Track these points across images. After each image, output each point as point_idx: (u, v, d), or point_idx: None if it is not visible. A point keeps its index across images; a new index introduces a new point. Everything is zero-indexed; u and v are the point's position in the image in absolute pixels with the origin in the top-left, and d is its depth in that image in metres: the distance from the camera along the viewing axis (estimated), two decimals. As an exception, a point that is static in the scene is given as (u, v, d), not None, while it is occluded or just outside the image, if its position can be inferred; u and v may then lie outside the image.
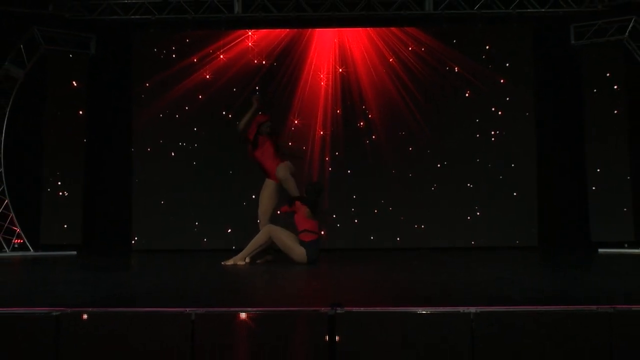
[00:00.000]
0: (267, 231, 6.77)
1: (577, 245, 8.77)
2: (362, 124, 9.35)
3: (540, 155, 9.20)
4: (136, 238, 9.25)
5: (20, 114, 8.99)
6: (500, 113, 9.24)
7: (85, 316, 3.37)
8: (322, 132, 9.38)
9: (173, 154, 9.37)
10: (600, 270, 6.33)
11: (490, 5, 8.89)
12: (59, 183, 9.09)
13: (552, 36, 9.26)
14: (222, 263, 6.69)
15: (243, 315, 3.34)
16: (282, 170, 6.90)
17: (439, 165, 9.22)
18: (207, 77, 9.34)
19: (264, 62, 9.38)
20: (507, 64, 9.25)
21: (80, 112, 9.24)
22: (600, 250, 8.13)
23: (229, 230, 9.19)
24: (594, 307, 3.29)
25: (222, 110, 9.30)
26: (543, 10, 8.83)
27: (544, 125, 9.27)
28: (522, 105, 9.22)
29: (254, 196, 9.15)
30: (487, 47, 9.29)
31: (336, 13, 9.00)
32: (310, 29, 9.42)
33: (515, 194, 9.13)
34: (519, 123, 9.21)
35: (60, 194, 9.09)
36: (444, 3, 8.85)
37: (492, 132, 9.23)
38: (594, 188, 8.80)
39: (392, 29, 9.35)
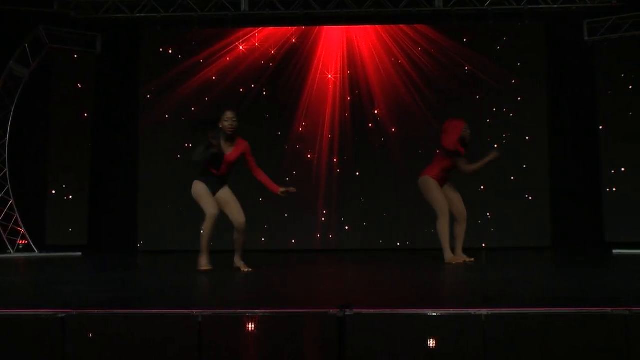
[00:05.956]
0: None
1: (591, 246, 8.66)
2: (371, 124, 9.28)
3: (553, 155, 9.09)
4: (142, 239, 9.22)
5: (24, 114, 8.99)
6: (512, 111, 9.13)
7: (91, 318, 3.34)
8: (330, 135, 9.31)
9: (179, 154, 9.33)
10: (615, 271, 6.21)
11: (501, 2, 8.78)
12: (64, 183, 9.11)
13: (565, 33, 9.15)
14: None
15: (251, 316, 3.29)
16: None
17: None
18: (214, 76, 9.30)
19: (270, 62, 9.32)
20: (519, 62, 9.15)
21: (86, 112, 9.24)
22: (614, 251, 7.98)
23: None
24: (608, 310, 3.20)
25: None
26: (555, 6, 8.70)
27: (557, 123, 9.16)
28: (534, 103, 9.11)
29: (260, 198, 9.20)
30: (499, 45, 9.20)
31: (344, 10, 8.94)
32: (318, 27, 9.36)
33: (528, 193, 9.02)
34: (531, 122, 9.11)
35: (66, 194, 9.11)
36: (454, 0, 8.75)
37: (504, 131, 9.12)
38: (608, 188, 8.68)
39: (402, 26, 9.27)
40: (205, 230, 6.08)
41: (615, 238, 8.47)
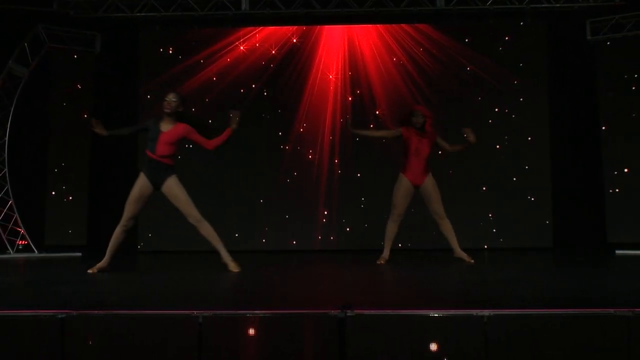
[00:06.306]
0: None
1: (593, 247, 8.62)
2: (372, 125, 9.24)
3: (554, 155, 9.04)
4: (141, 240, 9.17)
5: (24, 113, 8.94)
6: (513, 112, 9.08)
7: (90, 319, 3.33)
8: (330, 137, 9.27)
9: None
10: (618, 272, 6.18)
11: (503, 1, 8.74)
12: (64, 183, 9.06)
13: (568, 32, 9.10)
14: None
15: (251, 317, 3.28)
16: None
17: (450, 167, 9.07)
18: (214, 76, 9.25)
19: (271, 62, 9.27)
20: (521, 62, 9.09)
21: (85, 112, 9.18)
22: (617, 251, 7.94)
23: (237, 234, 9.10)
24: (611, 310, 3.19)
25: (229, 109, 9.20)
26: (557, 5, 8.66)
27: (558, 124, 9.11)
28: (536, 103, 9.06)
29: (260, 199, 9.17)
30: (500, 45, 9.15)
31: (345, 10, 8.90)
32: (319, 26, 9.32)
33: (529, 194, 8.97)
34: (533, 122, 9.05)
35: (65, 194, 9.06)
36: (455, -1, 8.73)
37: (506, 131, 9.08)
38: (610, 189, 8.64)
39: (403, 25, 9.23)
40: (114, 234, 5.99)
41: (617, 239, 8.43)
